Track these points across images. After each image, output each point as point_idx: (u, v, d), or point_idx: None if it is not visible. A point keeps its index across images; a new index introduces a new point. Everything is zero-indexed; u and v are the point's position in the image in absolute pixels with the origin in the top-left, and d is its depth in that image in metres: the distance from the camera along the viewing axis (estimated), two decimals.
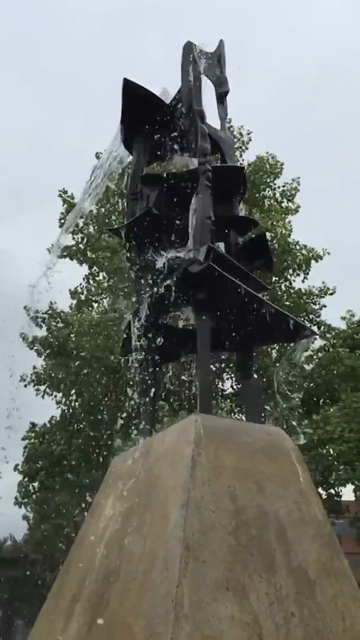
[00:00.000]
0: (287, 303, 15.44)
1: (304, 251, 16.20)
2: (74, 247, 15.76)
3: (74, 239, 15.62)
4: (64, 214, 15.82)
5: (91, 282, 16.56)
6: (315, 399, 16.50)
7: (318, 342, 16.10)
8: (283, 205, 16.93)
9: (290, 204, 16.99)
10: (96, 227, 15.85)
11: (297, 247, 16.23)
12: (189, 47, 4.47)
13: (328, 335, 17.02)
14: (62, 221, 15.77)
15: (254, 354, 4.32)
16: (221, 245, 4.38)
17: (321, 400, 16.38)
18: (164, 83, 4.57)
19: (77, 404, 15.16)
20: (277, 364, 14.70)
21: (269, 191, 17.04)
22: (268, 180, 16.89)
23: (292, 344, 4.32)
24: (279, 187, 17.10)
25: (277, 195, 17.08)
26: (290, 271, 16.21)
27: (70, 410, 15.41)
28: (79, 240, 15.89)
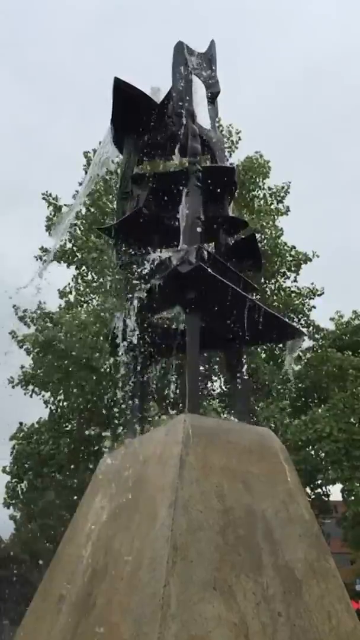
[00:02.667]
0: (276, 304, 15.47)
1: (292, 252, 16.23)
2: (61, 249, 15.63)
3: (61, 240, 15.50)
4: (50, 217, 15.73)
5: (80, 282, 16.49)
6: (304, 398, 16.58)
7: (307, 343, 16.18)
8: (273, 206, 16.95)
9: (280, 206, 17.02)
10: (83, 228, 15.76)
11: (286, 247, 16.26)
12: (180, 48, 4.47)
13: (317, 335, 17.09)
14: (49, 224, 15.64)
15: (243, 354, 4.32)
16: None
17: (310, 400, 16.46)
18: (156, 82, 4.56)
19: (65, 403, 15.10)
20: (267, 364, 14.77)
21: (258, 191, 17.06)
22: (257, 180, 16.90)
23: (281, 344, 4.34)
24: (269, 189, 17.12)
25: (267, 196, 17.10)
26: (281, 273, 16.26)
27: (59, 410, 15.34)
28: (67, 240, 15.79)
